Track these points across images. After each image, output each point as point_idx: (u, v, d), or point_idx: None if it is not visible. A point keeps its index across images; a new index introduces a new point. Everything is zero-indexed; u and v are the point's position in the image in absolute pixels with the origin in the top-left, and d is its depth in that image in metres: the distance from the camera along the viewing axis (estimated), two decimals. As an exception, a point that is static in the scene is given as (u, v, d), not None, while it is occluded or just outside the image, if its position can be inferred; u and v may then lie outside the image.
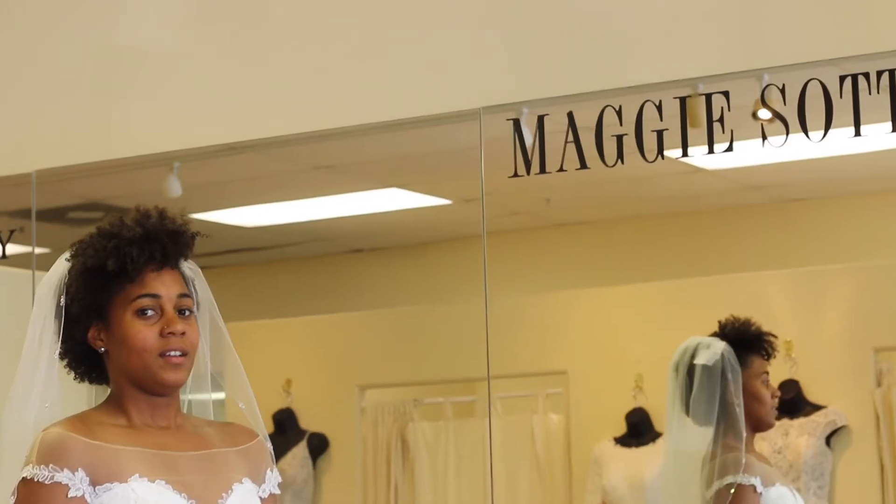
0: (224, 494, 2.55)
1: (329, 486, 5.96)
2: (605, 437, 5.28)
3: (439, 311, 5.81)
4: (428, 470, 5.83)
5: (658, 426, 5.07)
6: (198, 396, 2.75)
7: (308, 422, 6.00)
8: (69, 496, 2.45)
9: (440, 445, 5.84)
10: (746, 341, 4.15)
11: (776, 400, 4.18)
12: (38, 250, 5.12)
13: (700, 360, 4.11)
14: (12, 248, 5.25)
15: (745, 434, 4.04)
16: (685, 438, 4.17)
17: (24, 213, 5.17)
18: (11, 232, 5.22)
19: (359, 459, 5.93)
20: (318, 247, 6.09)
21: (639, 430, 5.19)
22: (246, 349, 2.84)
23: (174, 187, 4.98)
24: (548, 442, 5.55)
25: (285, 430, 5.95)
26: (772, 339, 4.18)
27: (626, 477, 5.19)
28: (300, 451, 5.94)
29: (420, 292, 5.87)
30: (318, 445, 5.96)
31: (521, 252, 5.47)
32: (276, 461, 2.76)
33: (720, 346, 4.11)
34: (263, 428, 2.76)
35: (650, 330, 5.15)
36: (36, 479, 2.45)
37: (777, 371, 4.51)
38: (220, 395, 2.80)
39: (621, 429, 5.24)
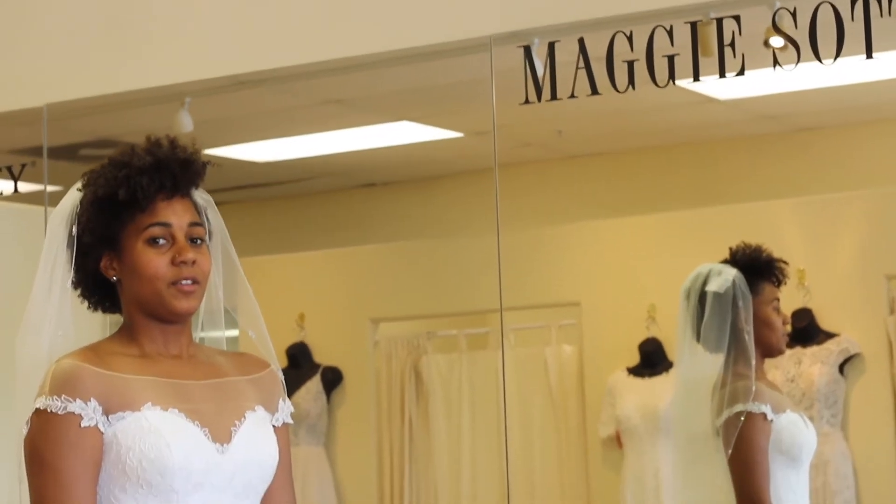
0: (237, 422, 2.55)
1: (343, 419, 5.98)
2: (619, 368, 5.29)
3: (452, 244, 5.80)
4: (442, 402, 5.85)
5: (671, 356, 5.07)
6: (211, 333, 2.75)
7: (322, 355, 6.01)
8: (82, 426, 2.44)
9: (454, 378, 5.85)
10: (757, 268, 4.15)
11: (787, 326, 4.18)
12: (50, 188, 5.12)
13: (711, 287, 4.10)
14: (25, 186, 5.25)
15: (755, 361, 4.04)
16: (696, 365, 4.17)
17: (36, 151, 5.17)
18: (23, 166, 5.22)
19: (373, 393, 5.95)
20: (329, 181, 6.08)
21: (652, 360, 5.20)
22: (259, 284, 2.83)
23: (185, 122, 4.97)
24: (561, 373, 5.55)
25: (299, 363, 5.96)
26: (782, 265, 4.17)
27: (639, 407, 5.20)
28: (314, 384, 5.95)
29: (432, 225, 5.87)
30: (332, 379, 5.98)
31: (532, 184, 5.46)
32: (290, 395, 2.76)
33: (731, 272, 4.10)
34: (275, 358, 2.75)
35: (663, 261, 5.14)
36: (49, 410, 2.45)
37: (790, 299, 4.51)
38: (234, 333, 2.80)
39: (634, 359, 5.24)
